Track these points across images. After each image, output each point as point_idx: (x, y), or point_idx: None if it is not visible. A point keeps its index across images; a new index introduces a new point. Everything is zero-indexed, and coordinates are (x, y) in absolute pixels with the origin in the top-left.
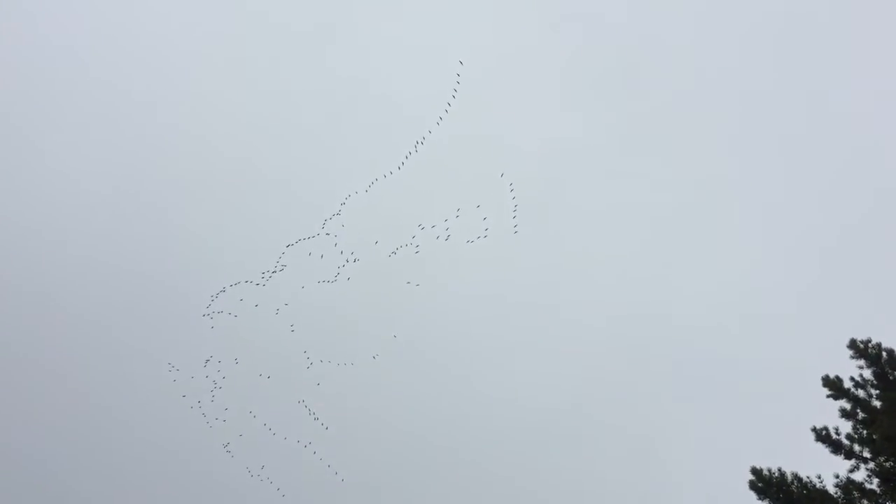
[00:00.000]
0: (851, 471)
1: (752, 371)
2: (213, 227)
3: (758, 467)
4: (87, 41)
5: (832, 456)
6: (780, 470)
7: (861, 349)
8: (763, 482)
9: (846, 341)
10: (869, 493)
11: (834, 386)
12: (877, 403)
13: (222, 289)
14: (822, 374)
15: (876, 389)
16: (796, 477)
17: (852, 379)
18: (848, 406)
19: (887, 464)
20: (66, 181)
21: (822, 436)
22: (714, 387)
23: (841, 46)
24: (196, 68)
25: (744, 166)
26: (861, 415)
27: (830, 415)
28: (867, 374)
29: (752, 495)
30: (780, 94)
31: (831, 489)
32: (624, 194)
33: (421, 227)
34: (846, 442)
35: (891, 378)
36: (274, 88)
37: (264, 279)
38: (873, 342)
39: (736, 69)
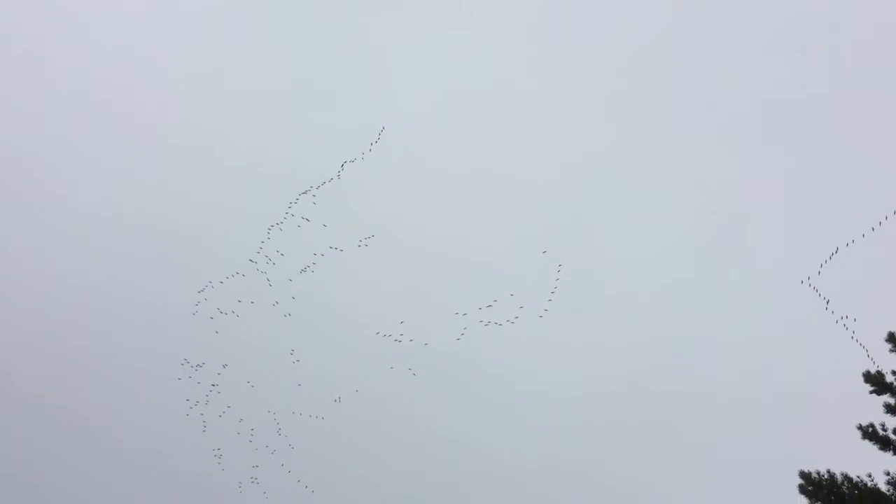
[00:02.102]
0: None
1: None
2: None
3: (806, 471)
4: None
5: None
6: (829, 472)
7: None
8: (813, 485)
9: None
10: None
11: (876, 381)
12: None
13: (209, 282)
14: (863, 370)
15: None
16: (846, 477)
17: (893, 373)
18: (892, 401)
19: None
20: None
21: (869, 433)
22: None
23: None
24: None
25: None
26: None
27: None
28: None
29: (803, 499)
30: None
31: (883, 487)
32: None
33: (457, 313)
34: (894, 437)
35: None
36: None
37: (262, 270)
38: None
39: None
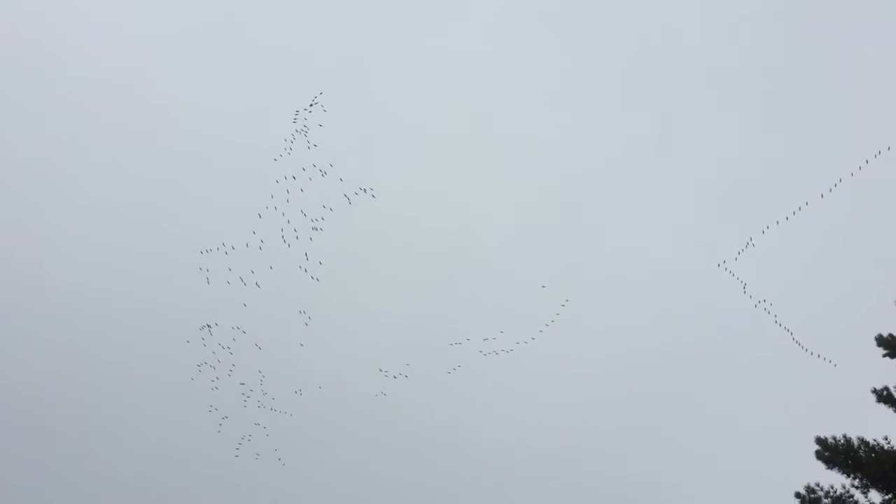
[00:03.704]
0: None
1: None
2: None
3: (822, 436)
4: None
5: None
6: (845, 436)
7: None
8: (829, 450)
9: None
10: None
11: (889, 344)
12: None
13: (223, 243)
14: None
15: None
16: (863, 441)
17: None
18: None
19: None
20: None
21: (884, 396)
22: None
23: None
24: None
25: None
26: None
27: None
28: None
29: (820, 465)
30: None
31: None
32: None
33: (451, 344)
34: None
35: None
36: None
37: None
38: None
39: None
